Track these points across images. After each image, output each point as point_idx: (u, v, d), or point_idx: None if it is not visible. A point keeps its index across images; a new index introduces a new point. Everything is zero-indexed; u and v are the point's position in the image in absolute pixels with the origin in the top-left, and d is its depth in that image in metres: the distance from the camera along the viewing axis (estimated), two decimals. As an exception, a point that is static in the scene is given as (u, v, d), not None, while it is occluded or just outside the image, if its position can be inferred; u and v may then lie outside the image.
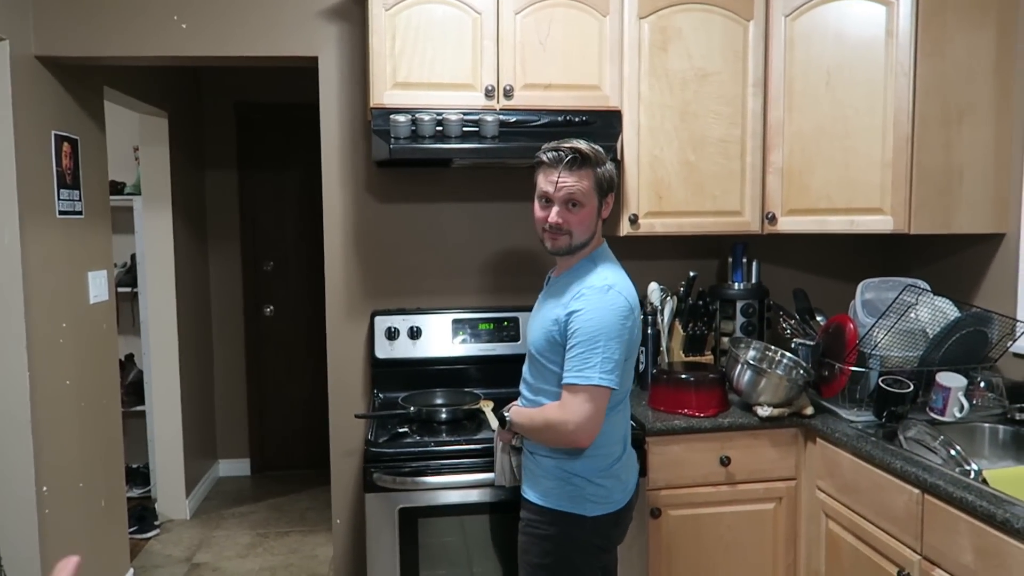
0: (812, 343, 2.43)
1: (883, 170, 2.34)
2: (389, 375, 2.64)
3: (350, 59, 2.65)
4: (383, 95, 2.31)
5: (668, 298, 2.64)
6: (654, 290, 2.63)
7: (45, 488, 2.55)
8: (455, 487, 2.12)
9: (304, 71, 2.75)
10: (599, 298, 1.72)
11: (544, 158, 1.79)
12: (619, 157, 2.44)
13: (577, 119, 2.38)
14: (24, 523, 2.49)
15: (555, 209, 1.77)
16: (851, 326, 2.32)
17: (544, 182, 1.79)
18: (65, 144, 2.72)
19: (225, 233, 4.58)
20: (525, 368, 1.94)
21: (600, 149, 1.80)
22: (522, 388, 1.96)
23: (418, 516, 2.12)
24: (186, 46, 2.56)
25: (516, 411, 1.91)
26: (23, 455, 2.48)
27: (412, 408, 2.34)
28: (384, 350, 2.63)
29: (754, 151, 2.52)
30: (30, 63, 2.50)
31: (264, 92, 4.48)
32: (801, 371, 2.37)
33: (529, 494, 1.87)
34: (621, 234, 2.50)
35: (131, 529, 3.56)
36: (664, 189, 2.49)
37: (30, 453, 2.48)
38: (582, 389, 1.69)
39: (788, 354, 2.45)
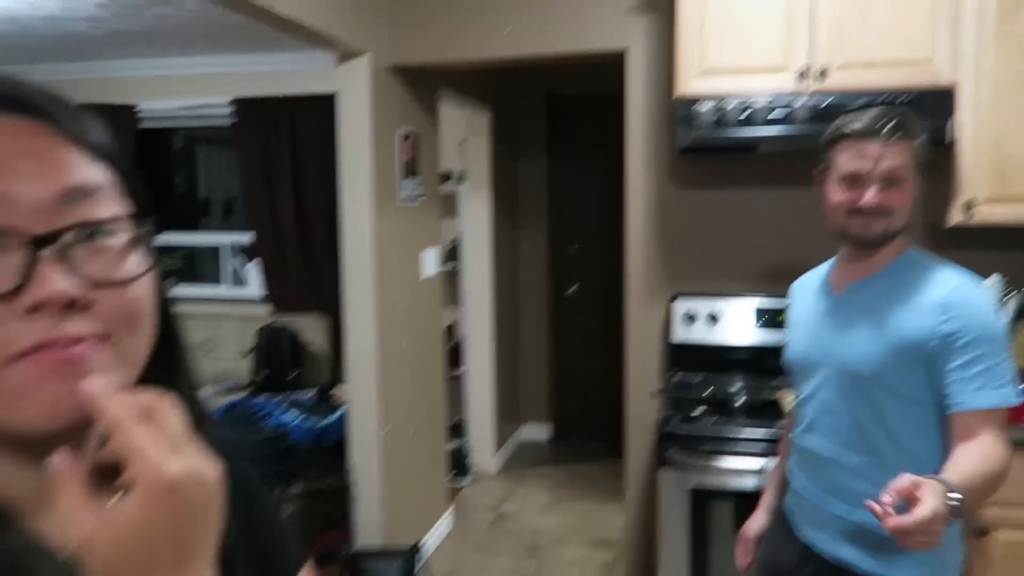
0: None
1: None
2: (685, 357, 2.69)
3: (656, 50, 2.71)
4: (689, 83, 2.34)
5: (1013, 294, 2.34)
6: (995, 283, 2.34)
7: (389, 427, 3.02)
8: (749, 472, 2.11)
9: (609, 63, 2.88)
10: (980, 295, 1.44)
11: (851, 130, 1.48)
12: (950, 139, 2.21)
13: (900, 99, 2.19)
14: (371, 458, 2.99)
15: (873, 188, 1.46)
16: None
17: (852, 159, 1.48)
18: (408, 139, 3.15)
19: (534, 216, 4.95)
20: (838, 402, 1.51)
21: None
22: (834, 442, 1.51)
23: (709, 498, 2.16)
24: (508, 47, 2.83)
25: (955, 470, 1.28)
26: (374, 401, 2.97)
27: (710, 391, 2.37)
28: (682, 332, 2.68)
29: None
30: (384, 72, 2.94)
31: (572, 84, 4.73)
32: None
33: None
34: (950, 224, 2.26)
35: (449, 476, 4.05)
36: (1010, 171, 2.20)
37: (377, 400, 2.96)
38: (1000, 412, 1.38)
39: None
